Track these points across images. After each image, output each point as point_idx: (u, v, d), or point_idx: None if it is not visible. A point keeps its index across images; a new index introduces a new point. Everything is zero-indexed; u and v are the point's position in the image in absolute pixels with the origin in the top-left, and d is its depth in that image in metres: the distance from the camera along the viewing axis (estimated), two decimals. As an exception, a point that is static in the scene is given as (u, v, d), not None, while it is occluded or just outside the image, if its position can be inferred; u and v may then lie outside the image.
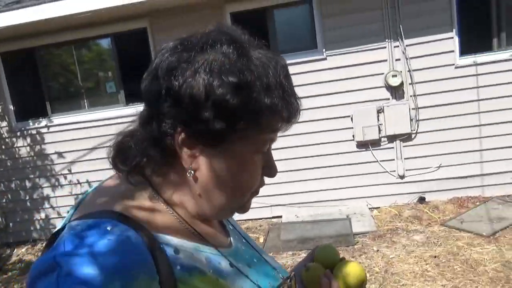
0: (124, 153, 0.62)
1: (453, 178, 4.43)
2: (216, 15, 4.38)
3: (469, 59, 4.19)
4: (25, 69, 5.02)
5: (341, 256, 0.85)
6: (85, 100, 5.02)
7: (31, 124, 4.99)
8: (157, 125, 0.57)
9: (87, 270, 0.46)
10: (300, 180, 4.65)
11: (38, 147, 4.96)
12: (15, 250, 4.96)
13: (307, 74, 4.40)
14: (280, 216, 4.63)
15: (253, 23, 4.55)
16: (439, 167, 4.43)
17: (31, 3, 4.30)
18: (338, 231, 4.05)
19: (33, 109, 5.02)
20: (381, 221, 4.17)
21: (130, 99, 4.82)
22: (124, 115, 4.49)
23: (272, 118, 0.57)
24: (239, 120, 0.55)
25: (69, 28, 4.62)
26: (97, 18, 4.40)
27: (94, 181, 4.70)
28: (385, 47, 4.26)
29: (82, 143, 4.83)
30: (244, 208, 0.66)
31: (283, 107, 0.57)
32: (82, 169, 4.88)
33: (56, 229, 0.57)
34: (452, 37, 4.15)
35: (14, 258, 4.77)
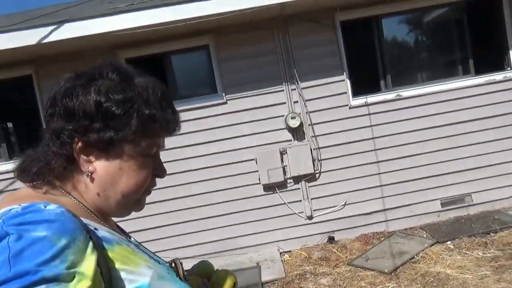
0: (28, 168, 0.71)
1: (359, 215, 4.49)
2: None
3: (361, 99, 4.41)
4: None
5: (215, 268, 0.98)
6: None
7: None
8: (58, 138, 0.69)
9: (35, 233, 0.55)
10: (210, 229, 4.42)
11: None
12: None
13: (209, 119, 4.31)
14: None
15: (149, 69, 4.38)
16: (344, 205, 4.48)
17: None
18: (246, 281, 3.83)
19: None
20: (291, 266, 4.04)
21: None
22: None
23: (154, 126, 0.71)
24: (125, 129, 0.69)
25: None
26: None
27: None
28: (282, 90, 4.34)
29: None
30: (139, 206, 0.78)
31: (162, 117, 0.72)
32: None
33: None
34: (344, 80, 4.35)
35: None
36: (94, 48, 4.02)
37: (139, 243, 0.82)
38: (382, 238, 4.29)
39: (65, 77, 0.72)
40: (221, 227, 4.41)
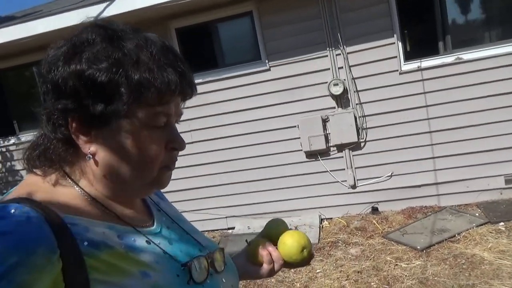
0: (31, 156, 0.66)
1: (406, 187, 4.27)
2: (161, 31, 4.47)
3: (414, 64, 4.05)
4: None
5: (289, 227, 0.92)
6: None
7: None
8: (51, 121, 0.62)
9: None
10: (255, 191, 4.63)
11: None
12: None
13: (253, 86, 4.40)
14: (233, 228, 4.64)
15: (198, 38, 4.61)
16: (391, 176, 4.29)
17: None
18: (280, 244, 4.01)
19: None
20: (327, 233, 4.09)
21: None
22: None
23: (149, 91, 0.59)
24: (115, 99, 0.58)
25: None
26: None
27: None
28: (327, 56, 4.19)
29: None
30: (159, 183, 0.67)
31: (159, 79, 0.59)
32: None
33: None
34: (394, 42, 4.02)
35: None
36: (142, 20, 4.32)
37: (173, 220, 0.77)
38: (430, 213, 4.05)
39: (50, 47, 0.63)
40: (265, 190, 4.59)
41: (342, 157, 4.37)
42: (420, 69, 4.02)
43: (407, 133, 4.17)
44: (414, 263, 3.18)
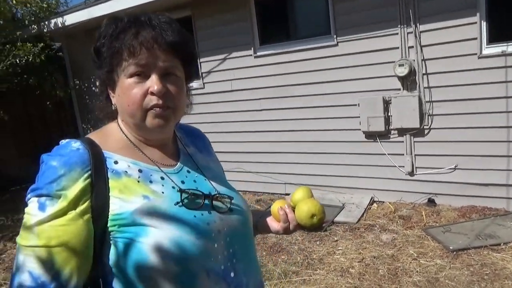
0: (102, 113, 0.96)
1: (471, 184, 3.90)
2: (242, 2, 4.75)
3: (498, 48, 3.54)
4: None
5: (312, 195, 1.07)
6: None
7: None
8: (99, 84, 0.92)
9: (52, 162, 0.79)
10: (312, 163, 4.78)
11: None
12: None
13: (318, 60, 4.43)
14: (289, 194, 4.92)
15: (275, 10, 4.76)
16: (454, 168, 3.96)
17: None
18: (321, 217, 4.16)
19: None
20: (370, 216, 4.08)
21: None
22: None
23: (118, 51, 0.83)
24: (105, 61, 0.85)
25: None
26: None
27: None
28: (397, 33, 3.94)
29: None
30: (150, 126, 0.85)
31: (121, 43, 0.82)
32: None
33: None
34: (476, 22, 3.55)
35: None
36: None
37: (198, 167, 0.97)
38: (490, 216, 3.67)
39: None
40: (320, 164, 4.71)
41: (402, 141, 4.17)
42: (504, 54, 3.51)
43: (480, 125, 3.75)
44: (434, 262, 3.04)
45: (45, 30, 6.11)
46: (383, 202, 4.36)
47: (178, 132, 1.03)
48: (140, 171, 0.86)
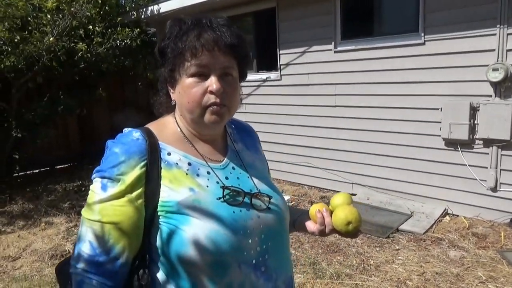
0: (162, 107, 1.04)
1: None
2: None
3: None
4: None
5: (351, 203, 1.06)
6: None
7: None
8: (161, 80, 1.01)
9: (115, 149, 0.89)
10: (381, 166, 4.59)
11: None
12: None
13: (401, 59, 4.21)
14: (355, 195, 4.79)
15: (360, 4, 4.60)
16: (547, 190, 3.52)
17: None
18: (385, 222, 4.01)
19: None
20: (440, 228, 3.81)
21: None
22: None
23: (177, 53, 0.90)
24: (169, 61, 0.92)
25: None
26: None
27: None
28: (495, 34, 3.57)
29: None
30: (207, 123, 0.92)
31: (182, 46, 0.89)
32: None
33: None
34: None
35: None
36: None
37: (243, 165, 1.02)
38: None
39: None
40: (392, 167, 4.49)
41: (488, 153, 3.80)
42: None
43: None
44: (501, 286, 2.77)
45: (142, 17, 6.65)
46: (457, 215, 4.04)
47: (229, 128, 1.09)
48: (189, 164, 0.94)
